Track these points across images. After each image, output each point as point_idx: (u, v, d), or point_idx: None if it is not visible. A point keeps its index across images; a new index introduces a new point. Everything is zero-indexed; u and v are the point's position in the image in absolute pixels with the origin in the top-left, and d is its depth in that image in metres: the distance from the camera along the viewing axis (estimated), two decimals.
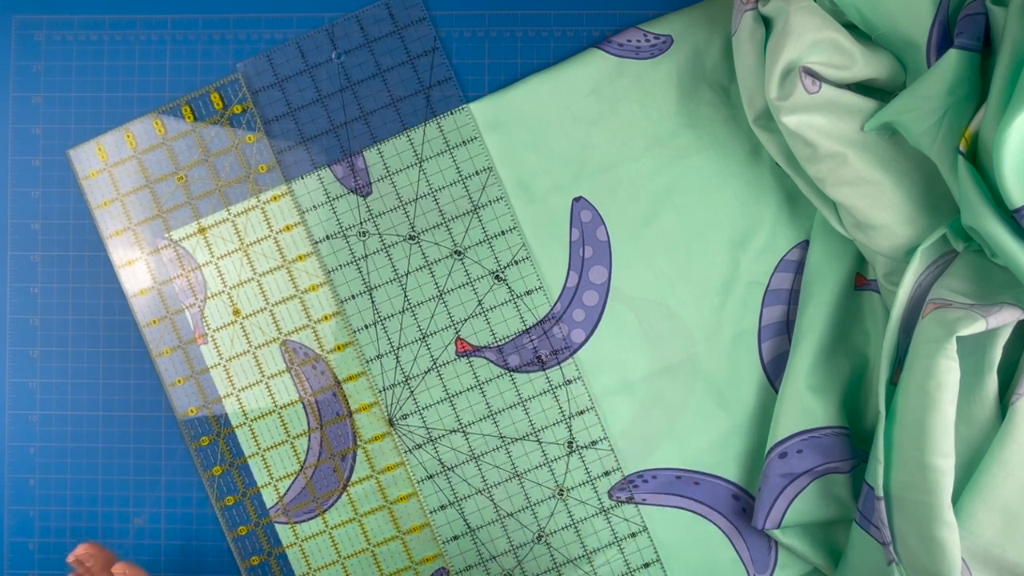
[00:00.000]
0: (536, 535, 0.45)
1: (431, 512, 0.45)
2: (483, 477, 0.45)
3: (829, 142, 0.38)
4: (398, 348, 0.45)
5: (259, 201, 0.45)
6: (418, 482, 0.45)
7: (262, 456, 0.46)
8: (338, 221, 0.45)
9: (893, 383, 0.39)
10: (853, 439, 0.43)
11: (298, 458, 0.46)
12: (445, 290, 0.45)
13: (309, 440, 0.45)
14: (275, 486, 0.46)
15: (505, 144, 0.45)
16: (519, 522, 0.45)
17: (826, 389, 0.42)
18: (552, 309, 0.45)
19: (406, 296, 0.45)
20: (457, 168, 0.45)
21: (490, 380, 0.45)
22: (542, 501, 0.45)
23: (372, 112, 0.45)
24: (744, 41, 0.41)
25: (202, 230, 0.46)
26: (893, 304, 0.39)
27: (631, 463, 0.45)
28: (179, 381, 0.46)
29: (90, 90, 0.46)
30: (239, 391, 0.46)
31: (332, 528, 0.45)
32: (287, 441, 0.46)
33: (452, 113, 0.45)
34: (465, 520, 0.45)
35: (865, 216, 0.39)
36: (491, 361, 0.45)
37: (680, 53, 0.45)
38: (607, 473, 0.45)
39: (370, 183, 0.45)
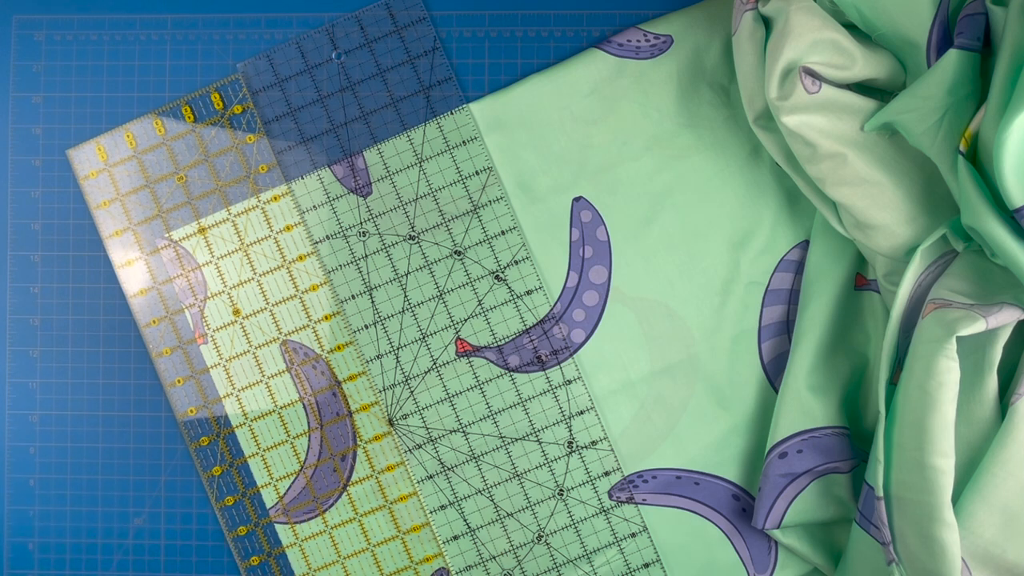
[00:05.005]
0: (536, 535, 0.45)
1: (431, 512, 0.45)
2: (483, 477, 0.45)
3: (829, 142, 0.38)
4: (398, 348, 0.45)
5: (259, 201, 0.45)
6: (418, 482, 0.45)
7: (262, 456, 0.46)
8: (338, 221, 0.45)
9: (893, 383, 0.39)
10: (853, 439, 0.43)
11: (298, 458, 0.46)
12: (445, 290, 0.45)
13: (309, 440, 0.45)
14: (275, 486, 0.46)
15: (505, 144, 0.45)
16: (519, 522, 0.45)
17: (826, 389, 0.42)
18: (552, 309, 0.45)
19: (406, 296, 0.45)
20: (457, 168, 0.45)
21: (490, 380, 0.45)
22: (542, 501, 0.45)
23: (372, 112, 0.45)
24: (744, 41, 0.41)
25: (202, 230, 0.46)
26: (893, 304, 0.39)
27: (631, 463, 0.45)
28: (179, 381, 0.46)
29: (90, 90, 0.46)
30: (239, 391, 0.46)
31: (332, 528, 0.45)
32: (287, 441, 0.46)
33: (452, 113, 0.45)
34: (465, 520, 0.45)
35: (865, 216, 0.39)
36: (491, 361, 0.45)
37: (680, 53, 0.45)
38: (607, 473, 0.45)
39: (370, 183, 0.45)
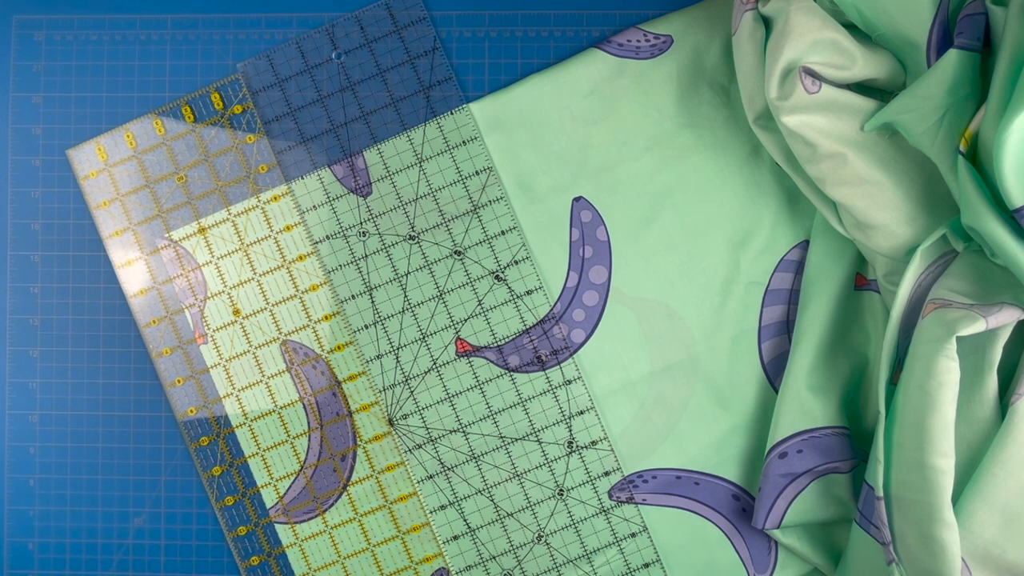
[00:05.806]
0: (536, 535, 0.45)
1: (431, 512, 0.45)
2: (483, 477, 0.45)
3: (829, 142, 0.38)
4: (398, 348, 0.45)
5: (259, 201, 0.45)
6: (418, 482, 0.45)
7: (262, 456, 0.46)
8: (338, 221, 0.45)
9: (893, 383, 0.39)
10: (853, 439, 0.43)
11: (298, 458, 0.46)
12: (445, 290, 0.45)
13: (309, 440, 0.45)
14: (275, 486, 0.46)
15: (505, 144, 0.45)
16: (519, 522, 0.45)
17: (826, 389, 0.42)
18: (552, 309, 0.45)
19: (406, 296, 0.45)
20: (457, 168, 0.45)
21: (490, 380, 0.45)
22: (542, 501, 0.45)
23: (372, 112, 0.45)
24: (744, 41, 0.41)
25: (202, 230, 0.46)
26: (893, 304, 0.39)
27: (631, 463, 0.45)
28: (179, 381, 0.46)
29: (90, 90, 0.46)
30: (239, 391, 0.46)
31: (332, 528, 0.45)
32: (287, 441, 0.46)
33: (452, 113, 0.45)
34: (465, 520, 0.45)
35: (865, 216, 0.39)
36: (491, 361, 0.45)
37: (680, 53, 0.45)
38: (607, 473, 0.45)
39: (370, 183, 0.45)
